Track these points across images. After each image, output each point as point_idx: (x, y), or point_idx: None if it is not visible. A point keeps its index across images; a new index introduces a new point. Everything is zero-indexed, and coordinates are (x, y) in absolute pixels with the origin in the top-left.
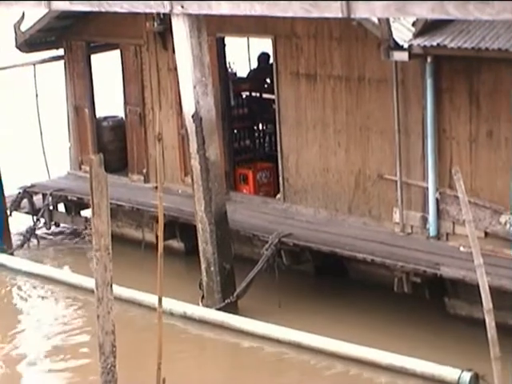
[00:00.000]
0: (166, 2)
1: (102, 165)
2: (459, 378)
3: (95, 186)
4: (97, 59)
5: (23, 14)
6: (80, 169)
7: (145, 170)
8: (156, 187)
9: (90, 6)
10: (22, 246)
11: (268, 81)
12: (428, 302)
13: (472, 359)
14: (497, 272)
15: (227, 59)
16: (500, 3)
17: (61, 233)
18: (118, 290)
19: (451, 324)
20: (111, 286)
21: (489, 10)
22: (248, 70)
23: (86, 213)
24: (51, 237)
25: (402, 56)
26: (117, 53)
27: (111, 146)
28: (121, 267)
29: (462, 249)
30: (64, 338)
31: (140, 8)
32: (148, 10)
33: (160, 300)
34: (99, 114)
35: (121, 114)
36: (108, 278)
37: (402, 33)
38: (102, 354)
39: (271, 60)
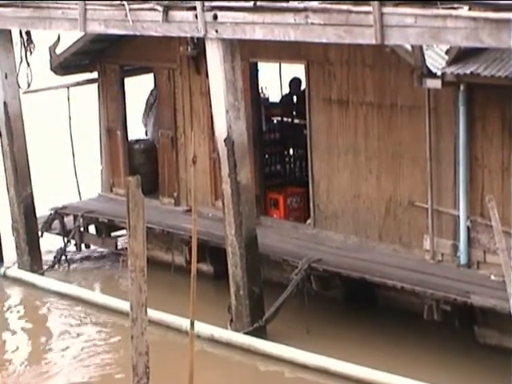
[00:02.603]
0: (200, 26)
1: (140, 186)
2: None
3: (132, 208)
4: (130, 82)
5: (59, 36)
6: (111, 191)
7: (176, 194)
8: (187, 210)
9: (125, 29)
10: (52, 266)
11: (298, 106)
12: (458, 330)
13: None
14: None
15: (260, 84)
16: None
17: (91, 255)
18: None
19: (481, 353)
20: (146, 306)
21: None
22: (280, 95)
23: (117, 235)
24: (81, 258)
25: (434, 83)
26: (150, 76)
27: (142, 168)
28: (149, 289)
29: (492, 277)
30: (95, 360)
31: (174, 32)
32: (182, 34)
33: (192, 323)
34: (131, 136)
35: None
36: (143, 298)
37: (435, 60)
38: (135, 375)
39: (303, 85)
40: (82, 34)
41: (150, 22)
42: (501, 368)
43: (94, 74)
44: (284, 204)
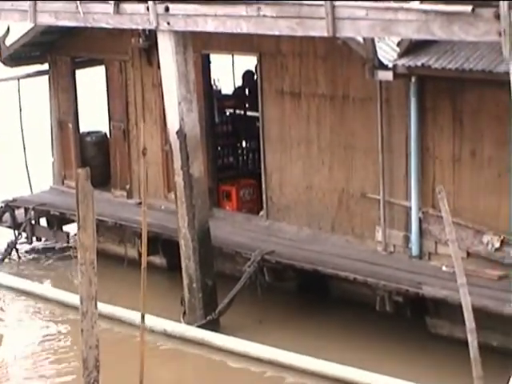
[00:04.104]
0: (152, 18)
1: (89, 178)
2: None
3: (81, 200)
4: (81, 74)
5: (8, 28)
6: (63, 184)
7: (128, 186)
8: (139, 203)
9: (76, 21)
10: (2, 260)
11: (251, 98)
12: (410, 321)
13: (453, 379)
14: (478, 292)
15: (212, 76)
16: (484, 25)
17: (42, 248)
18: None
19: (432, 343)
20: (96, 300)
21: (473, 31)
22: (233, 88)
23: (68, 228)
24: (33, 251)
25: (386, 75)
26: (102, 68)
27: (94, 161)
28: (102, 283)
29: (444, 268)
30: (45, 353)
31: (126, 24)
32: (134, 26)
33: (143, 316)
34: (83, 129)
35: (105, 129)
36: (93, 292)
37: (387, 52)
38: (85, 369)
39: (256, 77)
40: (33, 25)
41: (101, 14)
42: (452, 358)
43: (45, 66)
44: (237, 196)
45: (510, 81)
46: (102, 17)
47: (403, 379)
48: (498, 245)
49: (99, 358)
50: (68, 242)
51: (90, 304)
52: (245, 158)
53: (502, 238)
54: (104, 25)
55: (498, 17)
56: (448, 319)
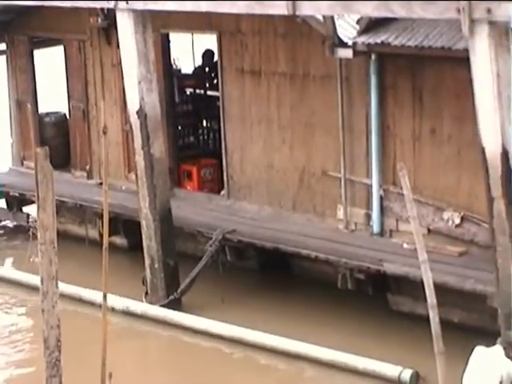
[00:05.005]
0: None
1: (48, 158)
2: (400, 376)
3: (40, 180)
4: (40, 54)
5: None
6: (22, 164)
7: (88, 167)
8: (99, 183)
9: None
10: None
11: (211, 77)
12: (371, 298)
13: (415, 355)
14: (440, 268)
15: (172, 55)
16: (443, 2)
17: (2, 228)
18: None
19: (394, 320)
20: (56, 279)
21: (433, 8)
22: (193, 67)
23: (28, 209)
24: None
25: (346, 53)
26: (60, 48)
27: (54, 141)
28: (63, 263)
29: (405, 245)
30: (6, 334)
31: (84, 3)
32: (92, 5)
33: (105, 296)
34: (42, 109)
35: (64, 109)
36: (53, 271)
37: (347, 30)
38: (46, 349)
39: (216, 57)
40: None
41: None
42: (413, 334)
43: (3, 46)
44: (198, 176)
45: (468, 58)
46: None
47: (365, 356)
48: (458, 221)
49: (60, 337)
50: (28, 223)
51: (50, 284)
52: (205, 137)
53: (462, 214)
54: (62, 4)
55: None
56: (409, 296)
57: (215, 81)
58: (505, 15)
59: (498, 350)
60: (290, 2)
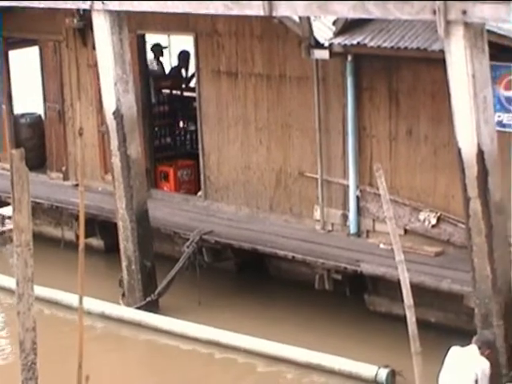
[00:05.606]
0: None
1: (23, 159)
2: (376, 375)
3: (16, 181)
4: (15, 55)
5: None
6: None
7: (64, 168)
8: (75, 185)
9: (8, 0)
10: None
11: (187, 78)
12: (348, 298)
13: (391, 355)
14: (416, 268)
15: (148, 56)
16: (419, 3)
17: None
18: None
19: (371, 320)
20: (32, 281)
21: (408, 9)
22: (169, 68)
23: (3, 210)
24: None
25: (322, 54)
26: (36, 49)
27: (29, 143)
28: (39, 266)
29: (381, 246)
30: None
31: (60, 4)
32: (68, 6)
33: (81, 298)
34: (17, 110)
35: (40, 110)
36: (29, 273)
37: (323, 31)
38: (22, 351)
39: (192, 58)
40: None
41: None
42: (390, 334)
43: None
44: (175, 177)
45: (444, 59)
46: None
47: (342, 356)
48: (434, 221)
49: (36, 340)
50: (3, 225)
51: (26, 286)
52: (182, 138)
53: (438, 214)
54: (37, 4)
55: None
56: (386, 296)
57: (192, 82)
58: (480, 16)
59: (473, 349)
60: (267, 2)
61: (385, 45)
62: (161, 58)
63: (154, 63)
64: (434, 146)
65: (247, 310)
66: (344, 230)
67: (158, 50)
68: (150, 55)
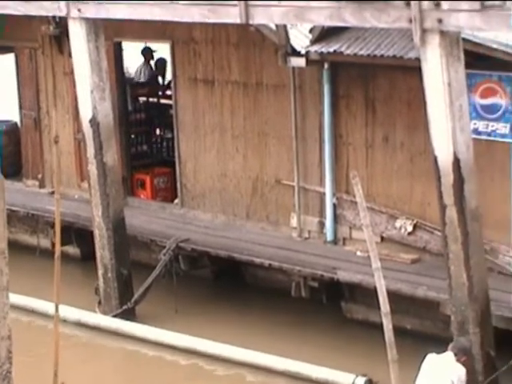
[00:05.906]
0: (62, 5)
1: None
2: (353, 383)
3: None
4: None
5: None
6: None
7: (40, 175)
8: (51, 192)
9: None
10: None
11: (164, 86)
12: (325, 306)
13: (368, 362)
14: (393, 276)
15: (124, 64)
16: (395, 12)
17: None
18: (12, 297)
19: (348, 328)
20: (7, 290)
21: (385, 18)
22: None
23: None
24: None
25: (299, 62)
26: (11, 56)
27: (5, 150)
28: (14, 274)
29: (358, 253)
30: None
31: (35, 11)
32: (44, 13)
33: (57, 306)
34: None
35: (15, 118)
36: (4, 282)
37: (300, 39)
38: None
39: (168, 65)
40: None
41: (10, 1)
42: (367, 341)
43: None
44: (151, 184)
45: (420, 67)
46: (11, 3)
47: (319, 365)
48: (410, 229)
49: (12, 349)
50: None
51: (1, 294)
52: (159, 145)
53: (414, 222)
54: (13, 11)
55: (408, 4)
56: (363, 304)
57: (168, 89)
58: (456, 25)
59: (449, 356)
60: (244, 10)
61: (361, 53)
62: (151, 62)
63: (144, 67)
64: (411, 154)
65: (224, 317)
66: (321, 237)
67: (148, 53)
68: (140, 59)
